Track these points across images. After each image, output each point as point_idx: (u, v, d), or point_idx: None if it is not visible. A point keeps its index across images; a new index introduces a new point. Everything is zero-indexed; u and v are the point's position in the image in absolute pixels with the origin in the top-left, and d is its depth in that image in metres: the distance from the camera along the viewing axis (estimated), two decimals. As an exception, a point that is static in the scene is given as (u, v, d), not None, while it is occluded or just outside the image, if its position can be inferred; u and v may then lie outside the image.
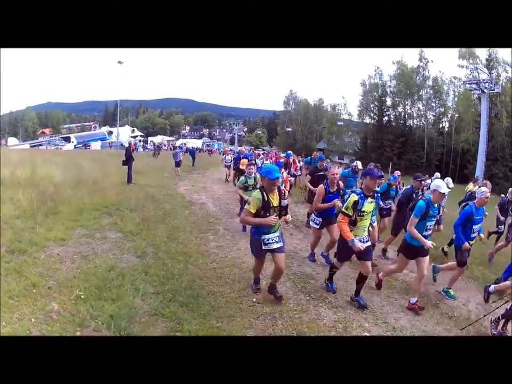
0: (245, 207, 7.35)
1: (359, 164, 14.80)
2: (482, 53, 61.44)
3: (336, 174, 10.08)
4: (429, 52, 68.91)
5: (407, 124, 74.73)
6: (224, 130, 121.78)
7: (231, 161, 28.91)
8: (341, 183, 10.74)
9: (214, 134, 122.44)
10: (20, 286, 6.86)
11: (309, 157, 25.46)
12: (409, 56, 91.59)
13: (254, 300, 7.68)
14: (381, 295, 8.52)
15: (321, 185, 9.97)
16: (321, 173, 13.45)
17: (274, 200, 7.30)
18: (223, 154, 36.64)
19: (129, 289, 7.41)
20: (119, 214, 13.47)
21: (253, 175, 12.93)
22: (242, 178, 12.98)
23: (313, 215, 10.34)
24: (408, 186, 12.51)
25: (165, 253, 9.81)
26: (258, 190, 7.37)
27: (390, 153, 68.80)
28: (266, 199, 7.17)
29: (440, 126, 72.63)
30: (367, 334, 6.71)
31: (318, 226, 10.15)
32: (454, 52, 64.16)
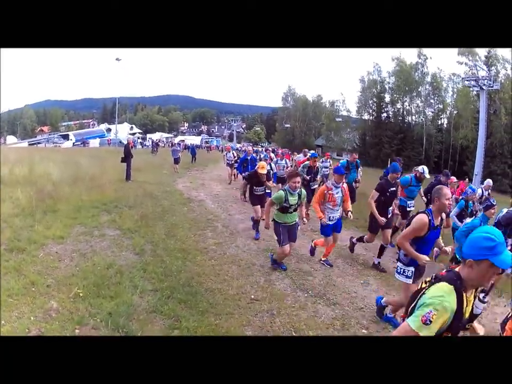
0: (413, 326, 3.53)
1: (426, 171, 12.14)
2: (481, 50, 61.64)
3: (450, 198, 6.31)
4: (428, 49, 69.00)
5: (406, 121, 74.92)
6: (223, 127, 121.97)
7: (233, 159, 26.09)
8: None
9: (212, 130, 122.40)
10: (19, 284, 6.90)
11: (345, 161, 17.91)
12: (408, 52, 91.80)
13: (252, 297, 7.72)
14: (379, 292, 8.45)
15: (423, 215, 6.18)
16: (393, 188, 10.50)
17: (468, 307, 3.55)
18: (224, 152, 33.13)
19: (128, 286, 7.46)
20: (118, 211, 13.51)
21: (298, 190, 9.01)
22: (281, 193, 8.99)
23: (399, 264, 6.73)
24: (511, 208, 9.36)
25: (163, 250, 9.85)
26: (447, 284, 3.32)
27: (389, 149, 68.87)
28: (461, 308, 3.38)
29: (439, 123, 72.83)
30: (365, 331, 6.78)
31: (411, 280, 6.55)
32: (453, 48, 64.29)
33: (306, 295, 8.03)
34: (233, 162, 25.77)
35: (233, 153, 27.47)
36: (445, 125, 72.07)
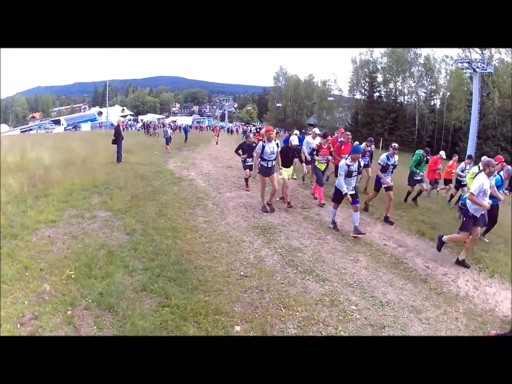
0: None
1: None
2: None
3: None
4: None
5: (398, 100, 74.83)
6: (215, 107, 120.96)
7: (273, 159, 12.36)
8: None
9: (204, 111, 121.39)
10: (12, 270, 6.97)
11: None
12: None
13: (242, 273, 7.79)
14: (368, 269, 8.56)
15: None
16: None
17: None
18: (249, 142, 15.91)
19: (119, 266, 7.54)
20: (109, 193, 13.52)
21: None
22: None
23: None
24: None
25: (153, 229, 9.89)
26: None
27: (381, 129, 69.11)
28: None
29: (432, 103, 72.69)
30: (354, 307, 6.84)
31: None
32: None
33: (295, 271, 8.10)
34: (273, 164, 12.54)
35: (273, 145, 12.32)
36: (438, 106, 71.94)
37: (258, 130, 42.01)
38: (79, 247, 8.39)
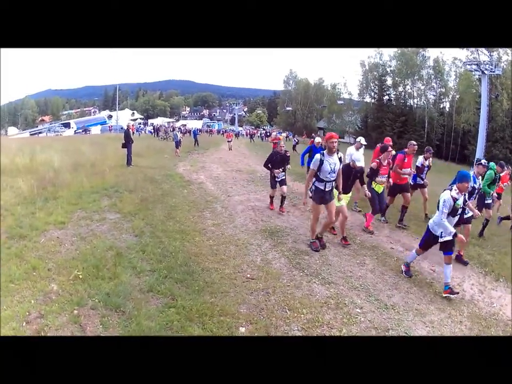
0: None
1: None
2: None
3: None
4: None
5: (408, 104, 74.66)
6: (225, 111, 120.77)
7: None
8: None
9: (214, 114, 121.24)
10: (20, 269, 7.03)
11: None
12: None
13: (248, 275, 7.83)
14: (375, 272, 8.56)
15: None
16: None
17: None
18: (281, 151, 13.17)
19: (126, 267, 7.59)
20: (118, 196, 13.54)
21: None
22: None
23: None
24: None
25: (162, 231, 9.92)
26: None
27: (391, 132, 68.44)
28: None
29: (441, 106, 72.46)
30: (359, 310, 6.84)
31: None
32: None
33: (301, 274, 8.12)
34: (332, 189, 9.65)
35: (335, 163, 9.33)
36: (447, 109, 71.75)
37: (268, 134, 41.70)
38: (87, 248, 8.44)
